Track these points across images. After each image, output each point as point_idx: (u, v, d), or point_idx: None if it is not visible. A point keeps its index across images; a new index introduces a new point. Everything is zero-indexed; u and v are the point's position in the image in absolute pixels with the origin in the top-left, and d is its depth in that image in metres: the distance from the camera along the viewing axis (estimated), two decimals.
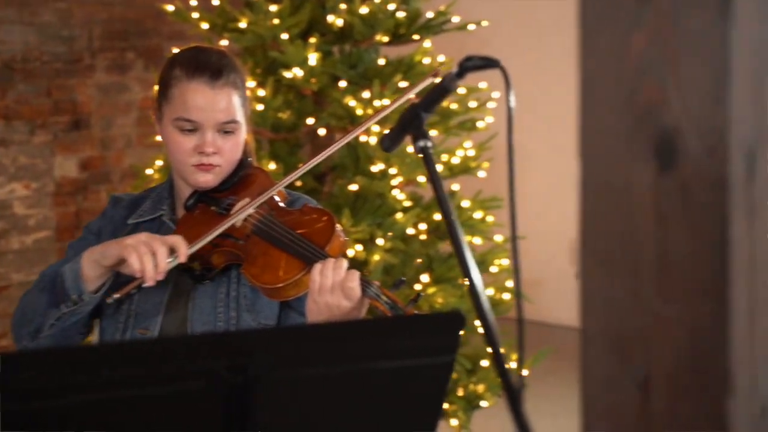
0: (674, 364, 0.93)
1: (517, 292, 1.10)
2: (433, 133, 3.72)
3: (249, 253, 1.87)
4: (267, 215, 1.90)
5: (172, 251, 1.78)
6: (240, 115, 1.93)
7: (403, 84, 3.52)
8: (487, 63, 1.33)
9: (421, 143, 1.41)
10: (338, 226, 1.87)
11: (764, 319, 0.96)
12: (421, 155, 1.41)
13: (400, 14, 3.55)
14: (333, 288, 1.74)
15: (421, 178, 3.63)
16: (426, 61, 3.62)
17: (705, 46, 0.89)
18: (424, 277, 3.65)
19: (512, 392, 1.03)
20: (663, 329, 0.93)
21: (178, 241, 1.79)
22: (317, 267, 1.77)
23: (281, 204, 1.95)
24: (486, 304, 1.15)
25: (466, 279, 1.18)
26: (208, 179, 1.92)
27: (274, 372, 1.14)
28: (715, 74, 0.89)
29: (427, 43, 3.67)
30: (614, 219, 0.95)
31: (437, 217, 3.69)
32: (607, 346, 0.96)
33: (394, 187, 3.57)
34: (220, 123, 1.90)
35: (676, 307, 0.92)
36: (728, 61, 0.89)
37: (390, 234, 3.54)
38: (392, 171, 3.60)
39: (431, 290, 3.60)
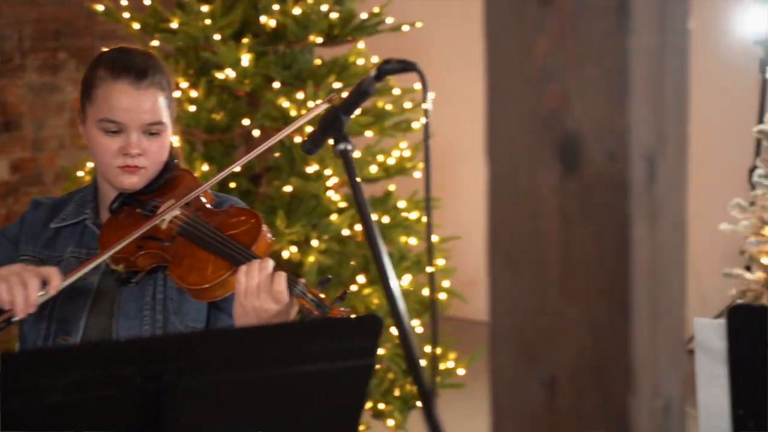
0: (578, 364, 0.95)
1: (432, 299, 1.11)
2: (368, 134, 3.73)
3: (175, 254, 1.86)
4: (192, 216, 1.89)
5: (45, 283, 1.74)
6: (166, 117, 1.91)
7: (337, 85, 3.52)
8: (405, 66, 1.34)
9: (341, 146, 1.42)
10: (264, 227, 1.87)
11: (666, 319, 0.98)
12: (341, 158, 1.41)
13: (334, 15, 3.56)
14: (259, 289, 1.74)
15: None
16: (360, 62, 3.63)
17: (604, 53, 0.91)
18: (361, 278, 3.65)
19: (425, 394, 1.04)
20: (567, 330, 0.95)
21: (51, 272, 1.75)
22: (243, 268, 1.77)
23: (208, 205, 1.94)
24: (402, 309, 1.15)
25: (384, 284, 1.18)
26: (133, 181, 1.91)
27: (190, 378, 1.13)
28: (614, 80, 0.91)
29: (361, 44, 3.68)
30: (520, 221, 0.96)
31: (373, 217, 3.70)
32: (514, 347, 0.98)
33: (329, 188, 3.58)
34: (145, 124, 1.89)
35: (579, 307, 0.94)
36: (627, 67, 0.91)
37: (325, 235, 3.54)
38: (327, 172, 3.60)
39: (367, 291, 3.61)
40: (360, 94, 1.41)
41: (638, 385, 0.93)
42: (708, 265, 4.88)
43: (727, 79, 5.12)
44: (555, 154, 0.94)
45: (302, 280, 1.76)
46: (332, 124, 1.44)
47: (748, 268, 4.16)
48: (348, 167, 1.37)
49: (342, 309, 1.68)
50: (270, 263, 1.77)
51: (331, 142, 1.48)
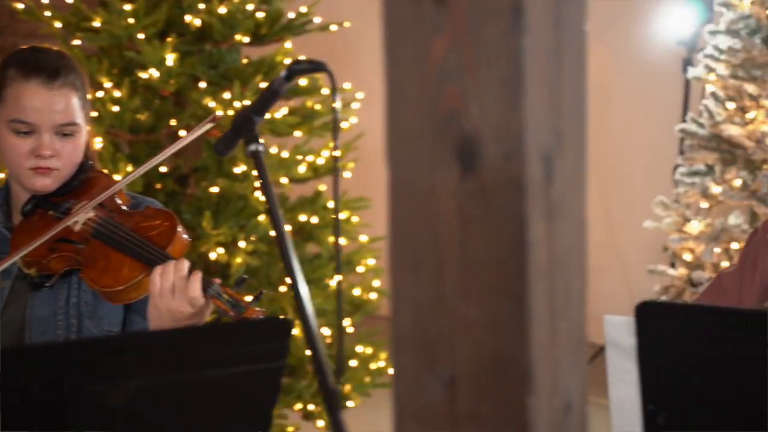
0: (477, 364, 0.95)
1: (338, 306, 1.10)
2: (297, 134, 3.72)
3: (89, 257, 1.82)
4: (106, 218, 1.86)
5: None
6: (80, 117, 1.88)
7: (263, 84, 3.50)
8: (314, 66, 1.33)
9: (253, 147, 1.41)
10: (180, 228, 1.85)
11: (565, 318, 0.99)
12: (252, 159, 1.40)
13: (260, 15, 3.53)
14: (174, 290, 1.72)
15: (284, 180, 3.63)
16: (287, 61, 3.61)
17: (500, 54, 0.92)
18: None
19: (329, 394, 1.03)
20: (466, 330, 0.95)
21: None
22: (157, 269, 1.74)
23: (123, 207, 1.91)
24: (310, 312, 1.15)
25: (293, 287, 1.18)
26: (45, 183, 1.87)
27: (91, 385, 1.11)
28: (510, 80, 0.92)
29: (288, 44, 3.66)
30: (420, 222, 0.96)
31: (303, 218, 3.69)
32: (415, 348, 0.98)
33: (257, 188, 3.55)
34: (57, 125, 1.85)
35: (478, 307, 0.94)
36: (522, 67, 0.91)
37: (253, 236, 3.52)
38: (255, 173, 3.57)
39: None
40: (271, 94, 1.40)
41: (536, 384, 0.94)
42: (635, 262, 4.96)
43: (652, 78, 5.20)
44: (453, 154, 0.94)
45: (217, 281, 1.75)
46: (244, 124, 1.43)
47: (673, 265, 4.23)
48: (259, 168, 1.36)
49: (257, 309, 1.67)
50: (185, 264, 1.75)
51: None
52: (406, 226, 0.98)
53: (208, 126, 1.75)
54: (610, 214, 5.40)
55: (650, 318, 1.41)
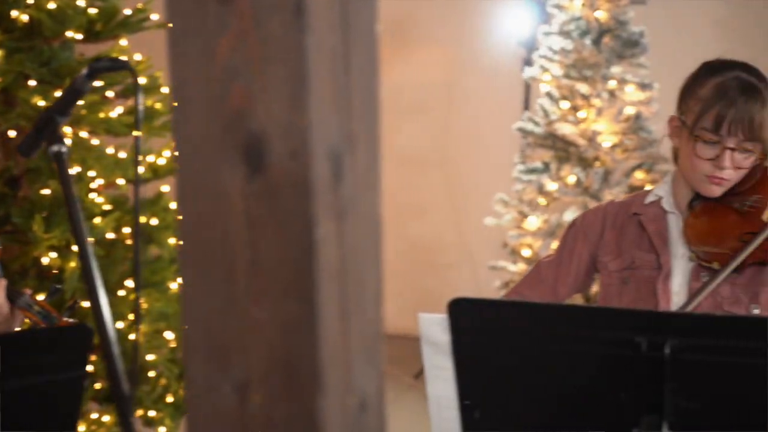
0: (268, 367, 0.94)
1: (136, 315, 1.07)
2: (137, 133, 3.62)
3: None
4: None
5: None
6: None
7: (98, 84, 3.40)
8: (116, 65, 1.30)
9: (55, 148, 1.35)
10: None
11: (359, 317, 0.99)
12: (54, 160, 1.35)
13: (93, 11, 3.43)
14: None
15: (121, 181, 3.53)
16: (123, 59, 3.51)
17: (284, 52, 0.91)
18: (129, 283, 3.54)
19: (122, 399, 1.00)
20: (257, 332, 0.94)
21: None
22: None
23: None
24: (107, 318, 1.12)
25: (89, 294, 1.14)
26: None
27: None
28: (294, 80, 0.91)
29: (123, 41, 3.57)
30: (208, 223, 0.95)
31: (143, 219, 3.60)
32: (207, 352, 0.96)
33: (92, 190, 3.45)
34: None
35: (268, 309, 0.93)
36: (306, 66, 0.91)
37: (89, 240, 3.40)
38: (91, 174, 3.47)
39: (135, 296, 3.50)
40: (73, 93, 1.35)
41: (327, 384, 0.94)
42: (481, 259, 5.07)
43: (494, 78, 5.33)
44: (240, 154, 0.93)
45: (27, 291, 1.68)
46: (47, 125, 1.38)
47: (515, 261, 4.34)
48: (61, 170, 1.31)
49: (71, 320, 1.61)
50: None
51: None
52: (195, 227, 0.96)
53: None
54: (458, 213, 5.50)
55: (462, 314, 1.43)
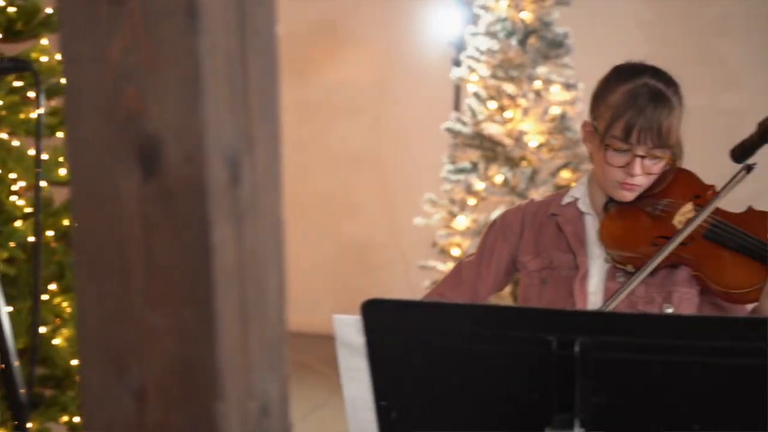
0: (166, 373, 0.92)
1: (35, 321, 1.05)
2: (60, 135, 3.56)
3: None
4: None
5: None
6: None
7: (17, 83, 3.33)
8: (19, 65, 1.27)
9: None
10: None
11: (260, 321, 0.98)
12: None
13: (12, 9, 3.35)
14: None
15: (43, 183, 3.46)
16: (44, 59, 3.45)
17: (177, 55, 0.90)
18: (53, 286, 3.48)
19: (18, 408, 0.98)
20: (154, 338, 0.92)
21: None
22: None
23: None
24: (6, 328, 1.09)
25: None
26: None
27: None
28: (188, 82, 0.90)
29: (44, 41, 3.50)
30: (103, 228, 0.93)
31: (67, 222, 3.54)
32: (103, 359, 0.94)
33: (13, 192, 3.37)
34: None
35: (164, 315, 0.92)
36: (200, 68, 0.89)
37: (10, 243, 3.33)
38: (12, 176, 3.39)
39: (58, 300, 3.44)
40: None
41: (226, 389, 0.93)
42: (414, 257, 5.08)
43: (425, 78, 5.35)
44: (134, 157, 0.91)
45: None
46: None
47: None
48: None
49: None
50: None
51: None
52: (89, 232, 0.94)
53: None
54: (390, 213, 5.51)
55: (376, 315, 1.43)
